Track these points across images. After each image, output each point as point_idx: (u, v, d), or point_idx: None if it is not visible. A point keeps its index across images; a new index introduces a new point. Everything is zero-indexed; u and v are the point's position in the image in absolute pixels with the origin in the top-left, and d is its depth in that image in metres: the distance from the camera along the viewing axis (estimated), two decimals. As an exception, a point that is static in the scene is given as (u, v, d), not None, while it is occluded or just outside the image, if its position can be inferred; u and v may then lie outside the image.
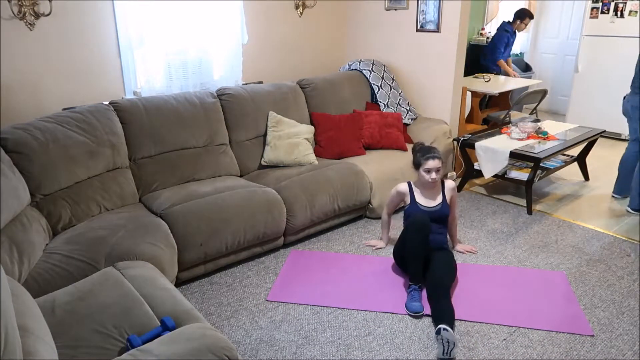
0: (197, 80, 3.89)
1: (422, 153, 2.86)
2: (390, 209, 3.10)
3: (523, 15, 5.68)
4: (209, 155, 3.38)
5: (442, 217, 2.90)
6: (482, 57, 5.97)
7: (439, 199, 2.92)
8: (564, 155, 4.37)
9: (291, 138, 3.63)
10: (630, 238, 3.38)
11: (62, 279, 2.22)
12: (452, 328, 2.30)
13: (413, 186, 2.96)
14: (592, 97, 5.85)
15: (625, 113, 3.88)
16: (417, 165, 2.89)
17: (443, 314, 2.39)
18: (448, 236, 3.15)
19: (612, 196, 4.09)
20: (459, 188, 4.19)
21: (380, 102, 4.30)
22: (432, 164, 2.81)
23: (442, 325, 2.23)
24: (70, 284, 2.11)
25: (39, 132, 2.67)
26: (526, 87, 5.34)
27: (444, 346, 2.21)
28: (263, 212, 2.98)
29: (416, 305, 2.55)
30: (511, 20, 5.77)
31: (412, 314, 2.54)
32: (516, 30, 5.79)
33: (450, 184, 2.98)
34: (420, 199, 2.92)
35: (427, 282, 2.65)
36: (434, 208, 2.89)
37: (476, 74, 5.74)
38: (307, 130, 3.74)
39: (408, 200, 2.94)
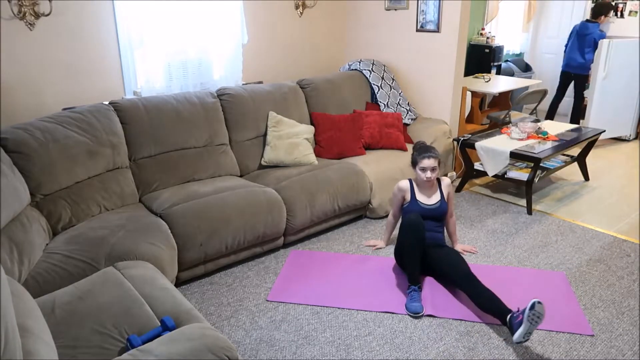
0: (197, 80, 3.89)
1: (419, 152, 2.89)
2: (396, 210, 3.10)
3: (607, 9, 5.51)
4: (209, 155, 3.38)
5: (441, 215, 2.93)
6: (583, 54, 5.74)
7: (437, 197, 2.94)
8: (564, 155, 4.37)
9: (291, 138, 3.63)
10: (630, 238, 3.38)
11: (62, 279, 2.22)
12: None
13: (413, 183, 2.98)
14: (592, 97, 5.83)
15: None
16: (413, 163, 2.92)
17: (496, 301, 2.40)
18: (446, 234, 3.16)
19: None
20: (459, 188, 4.19)
21: (380, 102, 4.30)
22: (427, 162, 2.83)
23: (536, 300, 2.15)
24: (70, 284, 2.11)
25: (39, 132, 2.67)
26: (526, 87, 5.35)
27: (531, 323, 2.14)
28: (263, 212, 2.98)
29: (416, 305, 2.55)
30: (590, 18, 5.61)
31: (412, 315, 2.54)
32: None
33: (446, 180, 3.01)
34: (420, 197, 2.93)
35: (451, 276, 2.64)
36: (433, 205, 2.91)
37: (476, 74, 5.74)
38: (307, 130, 3.74)
39: (408, 197, 2.95)
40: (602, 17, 5.57)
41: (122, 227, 2.55)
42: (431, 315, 2.55)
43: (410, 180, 3.00)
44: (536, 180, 3.81)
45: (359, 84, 4.32)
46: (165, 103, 3.26)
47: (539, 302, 2.16)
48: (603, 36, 5.57)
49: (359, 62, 4.46)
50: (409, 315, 2.55)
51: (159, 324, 1.81)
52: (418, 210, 2.89)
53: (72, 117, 2.86)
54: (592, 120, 5.65)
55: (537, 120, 4.51)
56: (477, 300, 2.48)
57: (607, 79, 5.51)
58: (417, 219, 2.69)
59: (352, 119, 3.97)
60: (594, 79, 5.48)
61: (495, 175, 3.94)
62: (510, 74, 6.59)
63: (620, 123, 5.61)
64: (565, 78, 5.91)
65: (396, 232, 3.32)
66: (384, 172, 3.63)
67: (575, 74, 5.81)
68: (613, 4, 5.53)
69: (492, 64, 6.28)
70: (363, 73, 4.39)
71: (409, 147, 3.92)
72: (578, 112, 5.88)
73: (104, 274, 2.11)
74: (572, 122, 5.83)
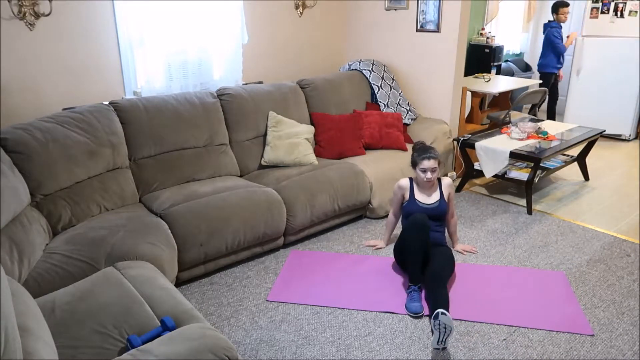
0: (197, 80, 3.89)
1: (419, 153, 2.89)
2: (396, 208, 3.10)
3: (557, 7, 5.66)
4: (209, 155, 3.38)
5: (440, 214, 2.93)
6: (541, 59, 5.93)
7: (437, 196, 2.94)
8: (564, 155, 4.37)
9: (291, 138, 3.63)
10: (630, 238, 3.38)
11: (62, 279, 2.22)
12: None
13: (413, 182, 2.98)
14: (591, 97, 5.85)
15: None
16: (413, 164, 2.93)
17: (438, 300, 2.41)
18: (447, 234, 3.16)
19: None
20: (459, 188, 4.19)
21: (380, 102, 4.30)
22: (427, 164, 2.83)
23: (439, 310, 2.21)
24: (70, 284, 2.11)
25: (39, 132, 2.67)
26: (526, 87, 5.35)
27: (440, 332, 2.20)
28: (263, 212, 2.98)
29: (416, 305, 2.55)
30: (552, 18, 5.78)
31: (412, 315, 2.54)
32: (560, 23, 5.73)
33: (447, 180, 3.01)
34: (419, 196, 2.94)
35: (426, 275, 2.67)
36: (432, 205, 2.91)
37: (476, 74, 5.74)
38: (307, 130, 3.74)
39: (407, 195, 2.95)
40: (555, 16, 5.68)
41: (122, 227, 2.55)
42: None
43: (410, 179, 3.00)
44: (536, 180, 3.81)
45: (359, 84, 4.32)
46: (165, 103, 3.26)
47: (442, 313, 2.19)
48: (552, 32, 5.69)
49: (359, 62, 4.46)
50: (409, 315, 2.55)
51: (159, 324, 1.81)
52: (417, 209, 2.89)
53: (72, 117, 2.86)
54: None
55: (537, 120, 4.52)
56: (430, 303, 2.48)
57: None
58: (423, 218, 2.69)
59: (352, 119, 3.97)
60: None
61: (495, 175, 3.94)
62: (510, 74, 6.59)
63: (600, 119, 5.73)
64: (541, 78, 6.01)
65: (396, 231, 3.32)
66: (384, 172, 3.63)
67: (545, 73, 5.94)
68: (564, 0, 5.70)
69: (492, 64, 6.28)
70: (363, 73, 4.39)
71: (409, 147, 3.92)
72: (552, 110, 6.07)
73: (104, 274, 2.11)
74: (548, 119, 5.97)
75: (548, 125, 4.44)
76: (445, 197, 2.96)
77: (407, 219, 2.82)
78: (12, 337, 1.22)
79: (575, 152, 4.42)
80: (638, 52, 5.38)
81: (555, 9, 5.70)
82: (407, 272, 2.73)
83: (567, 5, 5.66)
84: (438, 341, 2.23)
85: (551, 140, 4.00)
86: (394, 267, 3.00)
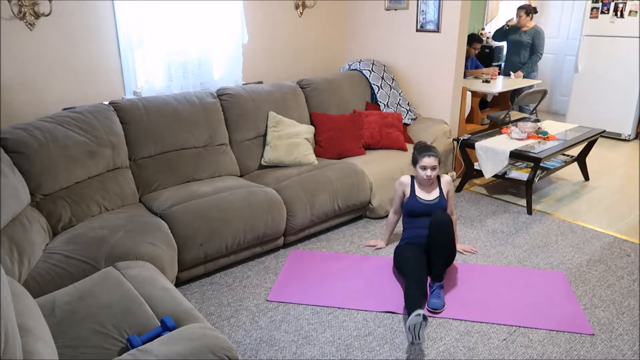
0: (197, 80, 3.89)
1: (419, 151, 2.92)
2: (397, 205, 3.10)
3: (470, 41, 5.42)
4: (209, 155, 3.38)
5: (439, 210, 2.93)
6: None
7: (437, 193, 2.96)
8: (564, 155, 4.37)
9: (291, 138, 3.63)
10: (630, 238, 3.38)
11: (62, 279, 2.22)
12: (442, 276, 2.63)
13: (414, 180, 2.99)
14: (592, 97, 5.85)
15: None
16: (414, 162, 2.95)
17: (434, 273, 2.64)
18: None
19: None
20: (459, 188, 4.19)
21: (380, 102, 4.30)
22: (427, 161, 2.85)
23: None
24: (70, 284, 2.11)
25: (39, 132, 2.67)
26: (526, 87, 5.34)
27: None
28: (263, 212, 2.98)
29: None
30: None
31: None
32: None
33: (446, 178, 3.02)
34: (420, 193, 2.96)
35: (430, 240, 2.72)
36: (432, 201, 2.93)
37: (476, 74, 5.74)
38: (307, 130, 3.74)
39: (408, 192, 2.97)
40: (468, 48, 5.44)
41: (122, 227, 2.55)
42: (431, 315, 2.55)
43: (411, 177, 3.02)
44: (536, 180, 3.81)
45: (359, 84, 4.32)
46: (165, 103, 3.26)
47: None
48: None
49: (359, 62, 4.46)
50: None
51: (159, 324, 1.81)
52: (417, 206, 2.91)
53: (72, 117, 2.86)
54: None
55: (537, 120, 4.51)
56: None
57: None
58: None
59: (352, 119, 3.97)
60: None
61: (495, 175, 3.94)
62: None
63: (600, 119, 5.78)
64: None
65: (397, 231, 3.32)
66: (384, 172, 3.63)
67: None
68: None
69: (492, 64, 6.28)
70: (363, 73, 4.39)
71: (409, 147, 3.92)
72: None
73: (104, 274, 2.11)
74: None
75: (548, 125, 4.44)
76: (445, 194, 2.97)
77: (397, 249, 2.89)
78: (12, 337, 1.22)
79: (575, 152, 4.42)
80: (638, 52, 5.38)
81: (469, 42, 5.37)
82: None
83: (481, 41, 5.66)
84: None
85: (551, 140, 4.00)
86: (393, 267, 3.00)
